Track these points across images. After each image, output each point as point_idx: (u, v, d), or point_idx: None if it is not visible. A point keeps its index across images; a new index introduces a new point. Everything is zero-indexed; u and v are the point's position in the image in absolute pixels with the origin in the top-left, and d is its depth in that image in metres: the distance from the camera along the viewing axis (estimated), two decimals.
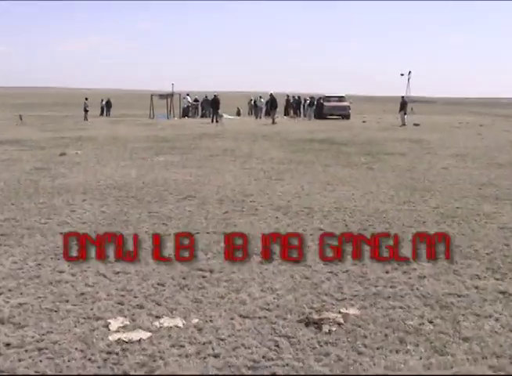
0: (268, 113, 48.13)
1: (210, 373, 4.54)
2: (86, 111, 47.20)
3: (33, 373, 4.55)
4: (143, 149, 21.37)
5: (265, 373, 4.54)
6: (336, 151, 21.13)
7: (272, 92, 44.36)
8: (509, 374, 4.62)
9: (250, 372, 4.55)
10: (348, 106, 50.83)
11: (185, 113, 51.74)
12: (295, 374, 4.56)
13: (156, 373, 4.56)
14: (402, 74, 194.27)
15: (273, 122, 40.29)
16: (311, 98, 52.77)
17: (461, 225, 9.51)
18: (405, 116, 41.11)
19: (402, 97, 42.87)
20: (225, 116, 48.83)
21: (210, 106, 45.26)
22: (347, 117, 49.46)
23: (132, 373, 4.56)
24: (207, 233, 8.74)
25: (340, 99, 52.42)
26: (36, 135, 28.34)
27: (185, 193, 11.99)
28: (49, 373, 4.55)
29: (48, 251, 7.75)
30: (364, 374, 4.56)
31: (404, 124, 39.39)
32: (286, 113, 54.17)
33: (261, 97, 54.52)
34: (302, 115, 53.99)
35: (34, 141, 24.90)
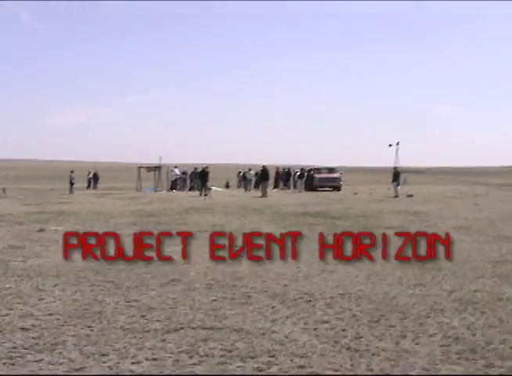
0: (257, 186, 47.18)
1: None
2: (72, 184, 46.21)
3: None
4: (127, 224, 20.16)
5: None
6: (331, 225, 19.98)
7: (264, 164, 43.33)
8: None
9: None
10: (339, 178, 50.12)
11: (173, 186, 50.68)
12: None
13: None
14: (390, 145, 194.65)
15: (264, 195, 39.22)
16: (302, 169, 51.95)
17: (485, 313, 8.28)
18: (398, 187, 40.13)
19: (395, 168, 42.09)
20: (213, 188, 47.81)
21: (199, 178, 44.18)
22: (338, 188, 48.59)
23: None
24: (193, 328, 7.46)
25: (331, 170, 51.85)
26: (17, 209, 27.13)
27: (169, 276, 10.71)
28: None
29: (1, 354, 6.46)
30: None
31: (397, 196, 38.35)
32: (276, 186, 53.17)
33: (250, 169, 53.75)
34: (292, 187, 53.04)
35: (14, 215, 23.69)
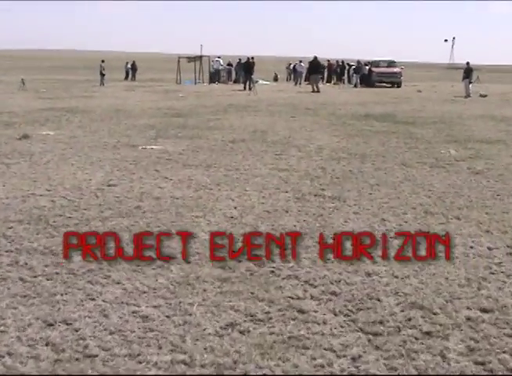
0: (308, 79, 41.94)
1: None
2: (102, 75, 41.39)
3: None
4: (143, 128, 15.60)
5: None
6: (407, 135, 15.15)
7: (315, 55, 37.67)
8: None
9: None
10: (400, 73, 44.80)
11: (214, 78, 45.55)
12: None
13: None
14: (445, 40, 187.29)
15: (316, 90, 34.12)
16: (358, 62, 46.51)
17: None
18: (470, 85, 34.58)
19: (467, 63, 36.10)
20: (260, 82, 42.94)
21: (243, 70, 39.09)
22: (398, 84, 43.66)
23: None
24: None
25: (390, 64, 46.46)
26: (23, 105, 22.71)
27: (164, 239, 6.14)
28: None
29: None
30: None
31: (469, 95, 33.03)
32: (329, 80, 47.82)
33: (301, 61, 48.33)
34: (347, 82, 47.79)
35: (12, 113, 19.29)
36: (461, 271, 5.41)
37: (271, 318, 4.38)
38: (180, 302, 4.63)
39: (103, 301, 4.67)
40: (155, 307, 4.54)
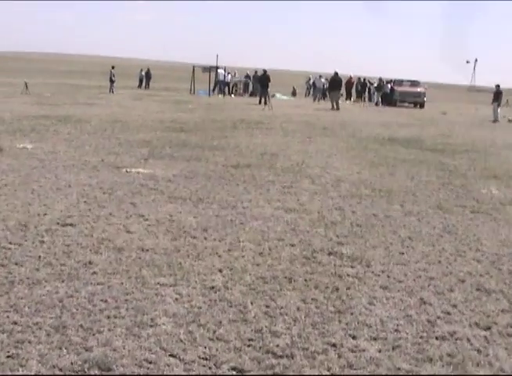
0: (326, 96, 39.92)
1: None
2: (112, 82, 39.49)
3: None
4: (136, 145, 13.70)
5: None
6: (438, 166, 13.17)
7: (336, 70, 35.43)
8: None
9: None
10: (424, 93, 43.28)
11: (217, 89, 43.56)
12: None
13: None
14: (467, 62, 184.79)
15: (335, 107, 32.15)
16: (380, 80, 44.52)
17: None
18: (499, 109, 32.57)
19: (497, 86, 34.04)
20: (278, 96, 41.09)
21: (259, 83, 37.06)
22: (421, 105, 42.06)
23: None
24: None
25: (414, 83, 45.32)
26: (16, 111, 21.00)
27: (105, 328, 4.17)
28: None
29: None
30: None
31: (497, 120, 31.08)
32: (349, 97, 45.68)
33: (320, 76, 46.36)
34: (367, 100, 45.79)
35: None
36: None
37: None
38: None
39: None
40: None
